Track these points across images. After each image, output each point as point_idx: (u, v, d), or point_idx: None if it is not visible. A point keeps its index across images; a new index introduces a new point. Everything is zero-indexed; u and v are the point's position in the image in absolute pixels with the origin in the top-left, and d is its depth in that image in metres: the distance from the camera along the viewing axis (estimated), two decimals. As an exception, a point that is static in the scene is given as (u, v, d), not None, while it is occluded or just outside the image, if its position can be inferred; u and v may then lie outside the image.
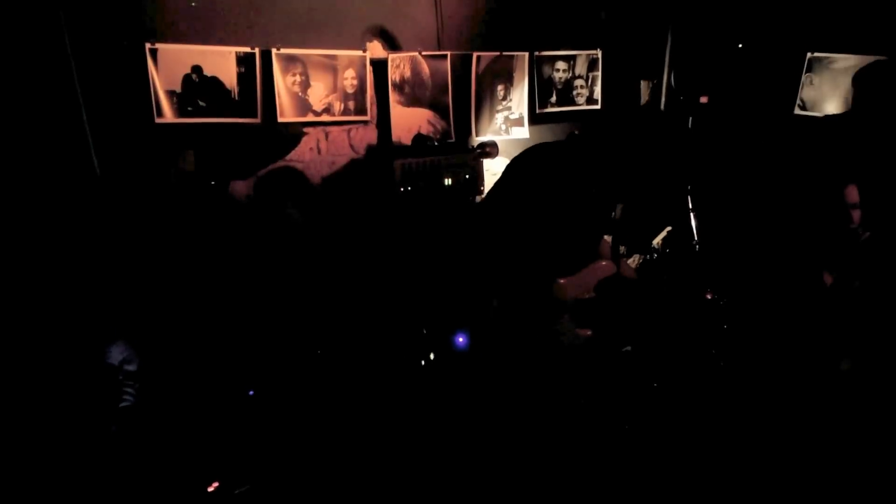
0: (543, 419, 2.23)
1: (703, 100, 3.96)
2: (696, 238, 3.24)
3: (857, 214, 2.87)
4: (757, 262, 3.39)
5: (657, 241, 3.74)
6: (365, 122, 3.75)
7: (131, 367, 2.76)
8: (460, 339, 3.29)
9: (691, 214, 3.26)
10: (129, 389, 2.78)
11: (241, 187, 3.47)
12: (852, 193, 2.85)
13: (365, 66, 3.62)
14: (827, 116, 3.64)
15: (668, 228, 3.72)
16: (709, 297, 3.17)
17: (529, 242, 2.08)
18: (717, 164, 3.90)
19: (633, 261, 3.70)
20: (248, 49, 3.33)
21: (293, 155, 3.61)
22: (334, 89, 3.58)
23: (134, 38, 3.09)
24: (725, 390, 2.99)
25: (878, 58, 3.16)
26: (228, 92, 3.33)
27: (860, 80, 2.99)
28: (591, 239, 2.23)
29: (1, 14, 2.80)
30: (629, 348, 2.81)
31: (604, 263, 2.16)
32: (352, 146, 3.77)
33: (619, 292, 2.19)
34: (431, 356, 3.31)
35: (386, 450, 2.82)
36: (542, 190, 2.10)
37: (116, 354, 2.74)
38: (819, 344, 2.88)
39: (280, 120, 3.47)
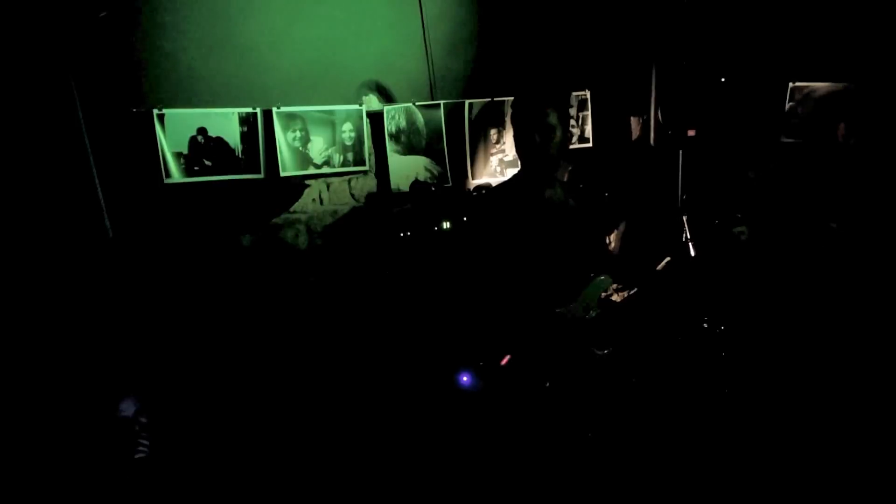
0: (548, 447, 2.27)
1: (691, 133, 4.08)
2: (694, 267, 3.28)
3: None
4: (756, 290, 3.43)
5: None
6: (364, 172, 3.89)
7: (144, 420, 2.85)
8: (464, 378, 3.34)
9: (689, 244, 3.32)
10: (144, 441, 2.86)
11: (247, 241, 3.60)
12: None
13: (362, 118, 3.78)
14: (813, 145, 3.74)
15: (668, 259, 3.77)
16: (705, 325, 3.21)
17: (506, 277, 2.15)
18: (711, 193, 3.99)
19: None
20: (249, 109, 3.51)
21: (297, 206, 3.75)
22: (333, 142, 3.74)
23: (142, 104, 3.27)
24: (726, 417, 3.01)
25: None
26: (233, 150, 3.50)
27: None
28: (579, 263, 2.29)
29: (15, 82, 2.99)
30: (634, 380, 2.84)
31: (602, 277, 2.20)
32: (352, 195, 3.90)
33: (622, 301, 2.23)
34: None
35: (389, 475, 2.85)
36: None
37: (129, 407, 2.83)
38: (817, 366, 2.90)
39: (283, 174, 3.63)
